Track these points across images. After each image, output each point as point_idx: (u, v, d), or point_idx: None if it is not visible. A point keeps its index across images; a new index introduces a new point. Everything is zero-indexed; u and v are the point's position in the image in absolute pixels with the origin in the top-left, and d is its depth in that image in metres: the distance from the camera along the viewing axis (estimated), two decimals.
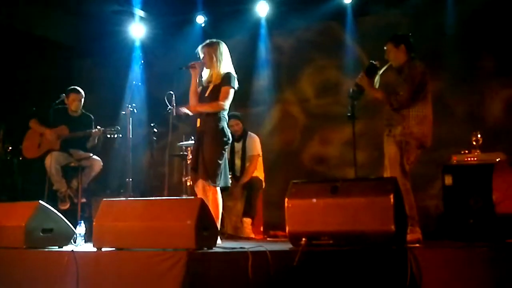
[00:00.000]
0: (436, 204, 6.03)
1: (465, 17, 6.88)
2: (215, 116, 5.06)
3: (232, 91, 5.07)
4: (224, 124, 5.11)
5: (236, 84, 5.10)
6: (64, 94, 6.64)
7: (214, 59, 5.12)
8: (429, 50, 6.52)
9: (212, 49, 5.15)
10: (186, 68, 5.19)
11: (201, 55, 5.18)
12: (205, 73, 5.24)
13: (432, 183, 6.35)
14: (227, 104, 5.07)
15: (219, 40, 5.24)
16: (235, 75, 5.14)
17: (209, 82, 5.22)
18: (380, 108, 5.22)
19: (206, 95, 5.14)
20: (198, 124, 5.20)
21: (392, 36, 5.17)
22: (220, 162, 5.00)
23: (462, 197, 4.84)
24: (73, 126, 6.56)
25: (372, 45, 7.11)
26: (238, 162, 7.01)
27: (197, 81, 5.20)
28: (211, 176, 4.94)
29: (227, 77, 5.08)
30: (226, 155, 5.24)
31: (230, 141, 5.20)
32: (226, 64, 5.16)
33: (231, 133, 5.19)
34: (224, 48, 5.20)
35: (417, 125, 4.86)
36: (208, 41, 5.24)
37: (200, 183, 5.03)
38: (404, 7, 7.21)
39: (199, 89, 5.25)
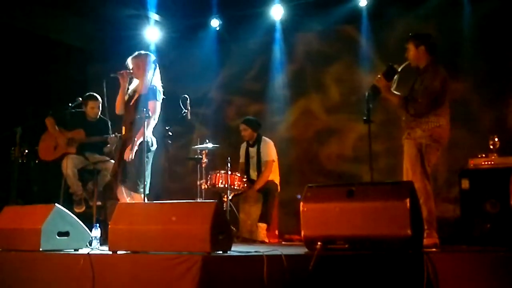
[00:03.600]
0: (453, 209, 5.98)
1: (483, 19, 6.81)
2: (140, 125, 5.15)
3: (158, 104, 5.28)
4: (150, 133, 5.22)
5: (160, 98, 5.30)
6: (80, 99, 6.69)
7: (142, 70, 5.31)
8: (448, 53, 6.47)
9: (139, 60, 5.36)
10: (114, 75, 5.34)
11: (130, 66, 5.35)
12: (134, 83, 5.42)
13: (450, 187, 6.30)
14: (155, 117, 5.26)
15: (147, 52, 5.46)
16: (161, 89, 5.34)
17: (134, 91, 5.39)
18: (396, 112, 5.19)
19: (131, 103, 5.32)
20: (123, 132, 5.35)
21: (414, 35, 5.09)
22: (143, 170, 5.11)
23: (479, 202, 4.79)
24: (90, 131, 6.60)
25: (388, 48, 7.09)
26: (253, 167, 7.02)
27: (125, 89, 5.38)
28: (133, 183, 5.14)
29: (152, 91, 5.26)
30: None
31: (154, 150, 5.36)
32: (152, 76, 5.31)
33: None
34: (152, 60, 5.36)
35: (435, 128, 4.82)
36: (136, 53, 5.43)
37: (123, 189, 5.17)
38: (421, 10, 7.16)
39: (126, 97, 5.41)
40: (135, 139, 5.16)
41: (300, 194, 7.09)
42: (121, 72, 5.32)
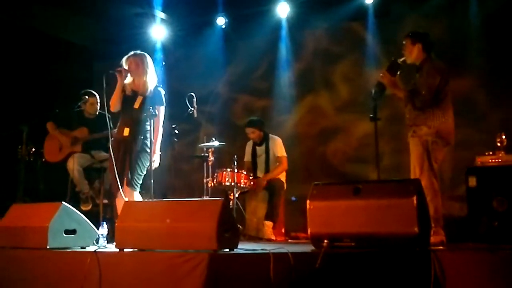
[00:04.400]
0: (460, 206, 5.96)
1: (490, 16, 6.79)
2: (145, 126, 5.17)
3: (163, 109, 5.32)
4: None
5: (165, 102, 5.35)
6: (87, 96, 6.70)
7: (141, 68, 5.27)
8: (454, 51, 6.44)
9: (138, 58, 5.32)
10: (113, 72, 5.27)
11: (126, 66, 5.29)
12: (127, 80, 5.34)
13: (457, 185, 6.27)
14: (161, 122, 5.31)
15: (144, 52, 5.40)
16: (163, 91, 5.35)
17: (133, 90, 5.34)
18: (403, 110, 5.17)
19: (136, 107, 5.26)
20: (126, 133, 5.27)
21: (410, 33, 5.13)
22: (145, 170, 5.20)
23: (486, 199, 4.77)
24: (92, 128, 6.61)
25: (394, 46, 7.05)
26: (260, 166, 7.00)
27: (121, 86, 5.32)
28: (135, 182, 5.16)
29: (159, 96, 5.28)
30: None
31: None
32: (151, 76, 5.31)
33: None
34: (149, 60, 5.36)
35: (441, 123, 4.81)
36: (132, 52, 5.38)
37: (125, 189, 5.15)
38: (427, 8, 7.13)
39: (122, 95, 5.36)
40: (154, 144, 5.20)
41: (294, 197, 7.15)
42: (119, 69, 5.27)
